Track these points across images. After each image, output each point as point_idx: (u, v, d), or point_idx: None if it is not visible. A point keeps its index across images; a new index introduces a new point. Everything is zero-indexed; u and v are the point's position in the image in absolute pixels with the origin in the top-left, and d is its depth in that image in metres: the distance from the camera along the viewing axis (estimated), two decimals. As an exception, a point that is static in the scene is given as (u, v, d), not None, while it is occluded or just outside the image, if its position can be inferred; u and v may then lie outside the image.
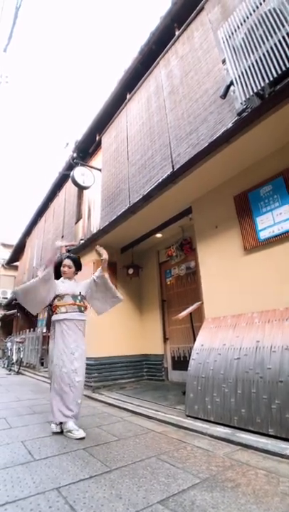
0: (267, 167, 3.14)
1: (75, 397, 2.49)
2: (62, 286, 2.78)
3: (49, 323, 2.88)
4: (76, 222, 6.70)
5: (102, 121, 5.90)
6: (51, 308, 2.79)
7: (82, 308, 2.79)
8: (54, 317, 2.71)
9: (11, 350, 9.21)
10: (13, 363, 8.61)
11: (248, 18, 2.65)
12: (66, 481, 1.60)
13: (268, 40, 2.39)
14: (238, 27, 2.72)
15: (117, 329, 5.28)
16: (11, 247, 15.27)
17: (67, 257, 2.93)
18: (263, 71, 2.38)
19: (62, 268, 2.87)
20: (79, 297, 2.78)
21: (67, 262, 2.89)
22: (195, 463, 1.81)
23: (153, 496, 1.43)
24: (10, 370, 8.59)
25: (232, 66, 2.67)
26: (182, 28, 3.98)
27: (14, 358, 8.53)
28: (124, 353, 5.24)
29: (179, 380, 4.80)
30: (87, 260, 5.42)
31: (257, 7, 2.59)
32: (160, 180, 3.73)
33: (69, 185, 7.27)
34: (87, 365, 4.78)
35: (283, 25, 2.30)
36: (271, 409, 2.14)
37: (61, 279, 2.87)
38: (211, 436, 2.27)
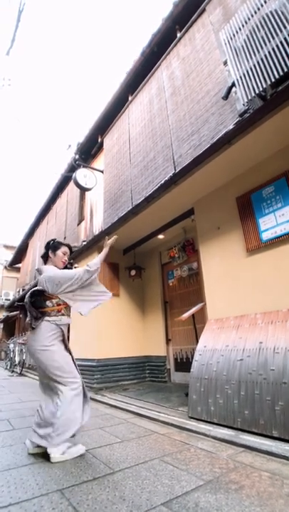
0: (269, 168, 3.14)
1: None
2: None
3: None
4: (78, 224, 6.72)
5: (104, 123, 5.93)
6: (43, 304, 2.14)
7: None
8: (55, 319, 2.14)
9: (13, 351, 9.22)
10: (15, 365, 8.62)
11: (249, 19, 2.66)
12: (69, 482, 1.59)
13: (269, 41, 2.40)
14: (240, 28, 2.72)
15: (120, 330, 5.28)
16: (13, 248, 15.32)
17: (63, 244, 2.41)
18: (264, 72, 2.39)
19: (61, 254, 2.35)
20: None
21: (66, 249, 2.39)
22: (198, 465, 1.80)
23: (156, 497, 1.42)
24: (12, 371, 8.61)
25: (234, 67, 2.68)
26: (184, 30, 3.99)
27: (17, 359, 8.55)
28: (126, 354, 5.23)
29: (181, 381, 4.78)
30: (90, 262, 5.42)
31: (258, 9, 2.60)
32: (162, 182, 3.74)
33: (71, 187, 7.30)
34: (90, 366, 4.79)
35: (285, 27, 2.31)
36: (275, 410, 2.13)
37: (53, 267, 2.28)
38: (215, 438, 2.26)
